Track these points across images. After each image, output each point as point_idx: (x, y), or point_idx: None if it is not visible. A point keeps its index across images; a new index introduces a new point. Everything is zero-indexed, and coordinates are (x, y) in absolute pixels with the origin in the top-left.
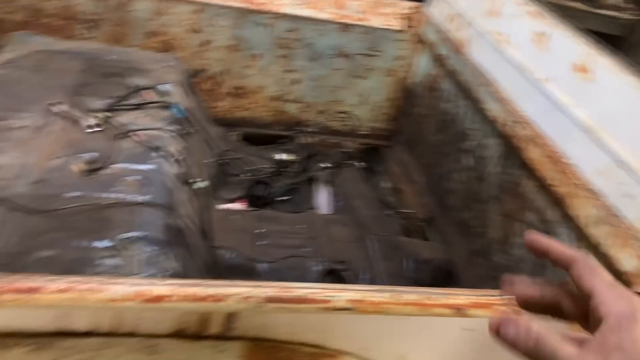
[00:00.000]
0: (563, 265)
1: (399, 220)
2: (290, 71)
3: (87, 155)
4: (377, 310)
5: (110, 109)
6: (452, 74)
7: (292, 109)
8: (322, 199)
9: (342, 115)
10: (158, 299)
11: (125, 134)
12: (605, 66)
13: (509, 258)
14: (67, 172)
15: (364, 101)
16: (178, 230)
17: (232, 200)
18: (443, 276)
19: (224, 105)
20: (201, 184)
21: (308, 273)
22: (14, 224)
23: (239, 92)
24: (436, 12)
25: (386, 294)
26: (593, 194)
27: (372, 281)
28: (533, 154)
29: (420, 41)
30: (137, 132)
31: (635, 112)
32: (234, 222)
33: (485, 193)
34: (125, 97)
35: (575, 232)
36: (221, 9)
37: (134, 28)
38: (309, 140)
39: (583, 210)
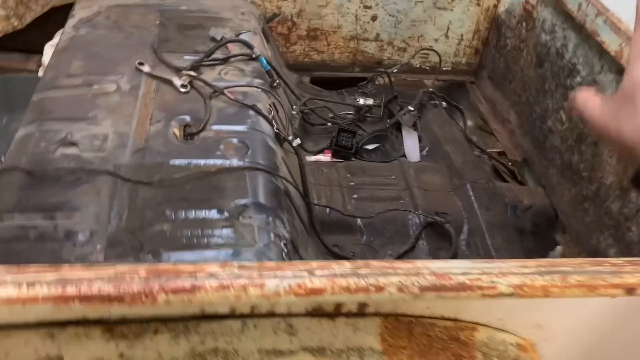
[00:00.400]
0: None
1: (491, 162)
2: (368, 7)
3: (184, 118)
4: (544, 294)
5: (198, 64)
6: (555, 2)
7: (370, 48)
8: (410, 145)
9: (425, 51)
10: (315, 291)
11: (217, 92)
12: None
13: (625, 205)
14: (167, 138)
15: (448, 35)
16: (284, 192)
17: (317, 152)
18: (547, 223)
19: (300, 49)
20: (295, 141)
21: (407, 226)
22: (123, 198)
23: (314, 34)
24: None
25: (554, 277)
26: None
27: (473, 232)
28: None
29: None
30: (230, 90)
31: None
32: (325, 176)
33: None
34: (211, 52)
35: None
36: None
37: None
38: (389, 81)
39: None
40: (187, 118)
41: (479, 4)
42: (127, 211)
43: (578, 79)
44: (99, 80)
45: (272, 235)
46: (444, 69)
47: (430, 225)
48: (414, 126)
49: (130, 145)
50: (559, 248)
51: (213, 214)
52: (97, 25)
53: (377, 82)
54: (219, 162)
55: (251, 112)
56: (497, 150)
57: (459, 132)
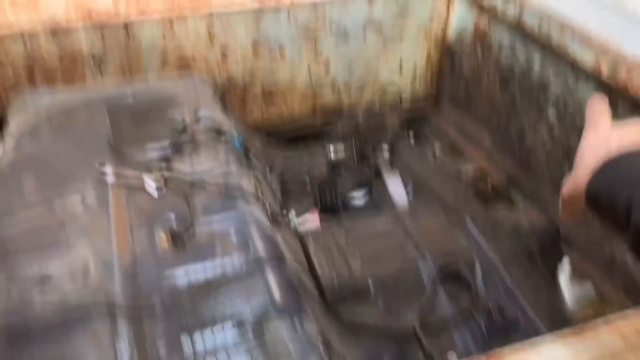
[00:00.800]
0: None
1: (477, 186)
2: (319, 55)
3: (167, 220)
4: None
5: (167, 158)
6: (508, 25)
7: (328, 96)
8: (396, 191)
9: (383, 89)
10: None
11: (195, 184)
12: None
13: None
14: (154, 247)
15: (402, 69)
16: (298, 282)
17: (303, 213)
18: (551, 241)
19: (257, 110)
20: (293, 218)
21: (419, 276)
22: (127, 336)
23: (270, 92)
24: None
25: None
26: None
27: (486, 268)
28: None
29: None
30: (208, 178)
31: None
32: (319, 241)
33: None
34: (177, 141)
35: None
36: (236, 15)
37: (147, 55)
38: (356, 125)
39: None
40: (172, 218)
41: (427, 35)
42: (137, 351)
43: (552, 94)
44: (60, 195)
45: (303, 339)
46: (403, 104)
47: (444, 274)
48: (392, 166)
49: (117, 268)
50: (565, 261)
51: (233, 334)
52: (41, 135)
53: (342, 129)
54: (218, 263)
55: (238, 197)
56: (478, 174)
57: (436, 164)
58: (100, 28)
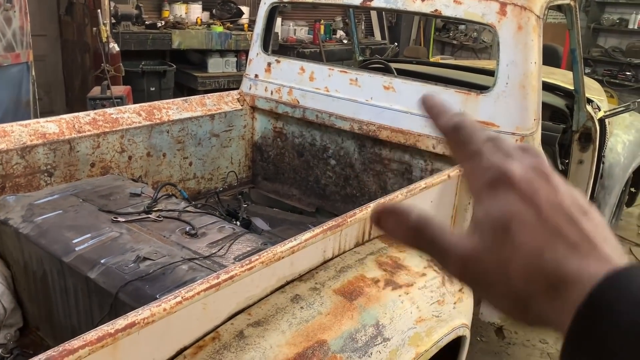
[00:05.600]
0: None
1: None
2: (185, 158)
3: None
4: None
5: (151, 207)
6: (296, 120)
7: (192, 184)
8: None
9: (223, 176)
10: None
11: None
12: (398, 83)
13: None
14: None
15: (233, 162)
16: None
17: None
18: None
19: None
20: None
21: None
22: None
23: (156, 186)
24: (258, 91)
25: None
26: (427, 136)
27: None
28: (384, 134)
29: (255, 111)
30: (189, 207)
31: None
32: None
33: (355, 171)
34: (156, 195)
35: (427, 157)
36: (136, 130)
37: (82, 163)
38: (218, 199)
39: (425, 144)
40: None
41: (243, 138)
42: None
43: (330, 151)
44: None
45: None
46: (235, 184)
47: None
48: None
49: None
50: None
51: None
52: (43, 213)
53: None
54: None
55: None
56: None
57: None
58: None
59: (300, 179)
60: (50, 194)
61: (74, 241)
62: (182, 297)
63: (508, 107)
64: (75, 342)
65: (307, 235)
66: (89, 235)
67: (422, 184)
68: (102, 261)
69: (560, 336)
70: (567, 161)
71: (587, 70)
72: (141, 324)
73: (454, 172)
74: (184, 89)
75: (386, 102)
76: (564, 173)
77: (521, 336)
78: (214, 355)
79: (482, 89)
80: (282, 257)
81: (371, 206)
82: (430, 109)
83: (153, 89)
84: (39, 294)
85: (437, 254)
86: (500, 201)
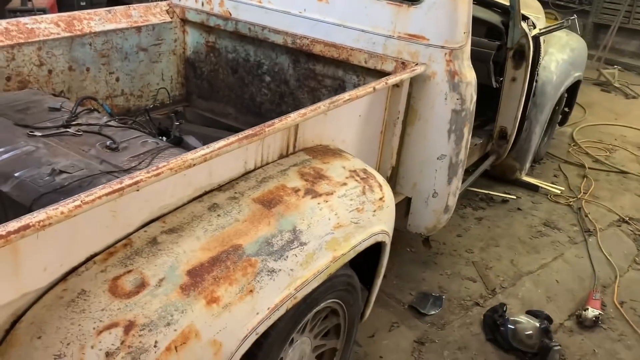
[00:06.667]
0: None
1: None
2: (112, 73)
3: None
4: None
5: (70, 121)
6: (228, 34)
7: (120, 100)
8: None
9: (153, 93)
10: None
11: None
12: None
13: None
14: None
15: (164, 78)
16: None
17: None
18: None
19: None
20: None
21: None
22: None
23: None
24: (188, 3)
25: None
26: (359, 51)
27: None
28: (317, 49)
29: (185, 24)
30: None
31: (354, 11)
32: None
33: (290, 88)
34: (75, 109)
35: (359, 73)
36: (55, 41)
37: None
38: (148, 117)
39: (357, 58)
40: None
41: (174, 53)
42: None
43: (265, 67)
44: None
45: None
46: (167, 102)
47: None
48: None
49: None
50: None
51: None
52: None
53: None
54: None
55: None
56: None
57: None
58: None
59: (235, 96)
60: None
61: None
62: (81, 201)
63: (438, 20)
64: None
65: (221, 143)
66: (2, 149)
67: (345, 95)
68: (15, 174)
69: None
70: (501, 79)
71: None
72: (36, 227)
73: (379, 85)
74: (120, 5)
75: (319, 15)
76: (498, 90)
77: (448, 247)
78: (125, 260)
79: (414, 1)
80: (193, 165)
81: (291, 116)
82: None
83: (84, 3)
84: None
85: None
86: None
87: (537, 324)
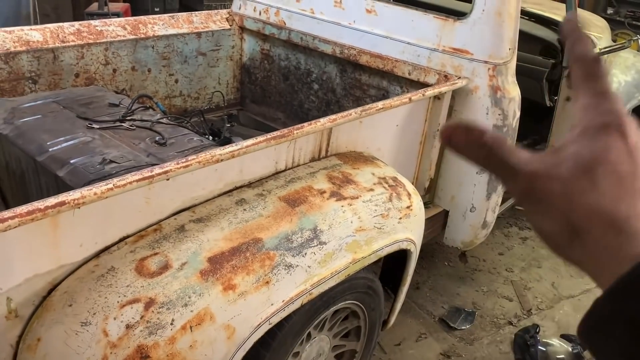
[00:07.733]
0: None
1: None
2: (171, 75)
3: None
4: None
5: (126, 116)
6: (282, 42)
7: (178, 102)
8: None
9: (209, 96)
10: None
11: (155, 122)
12: (381, 6)
13: None
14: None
15: (220, 82)
16: None
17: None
18: None
19: None
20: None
21: None
22: None
23: (143, 100)
24: (247, 12)
25: None
26: (404, 62)
27: None
28: (363, 59)
29: (243, 31)
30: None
31: (401, 23)
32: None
33: (336, 96)
34: (132, 106)
35: (403, 84)
36: (120, 43)
37: (66, 73)
38: (202, 118)
39: (401, 70)
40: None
41: (232, 59)
42: None
43: (314, 75)
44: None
45: None
46: (222, 105)
47: None
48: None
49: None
50: None
51: None
52: (24, 116)
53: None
54: None
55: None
56: None
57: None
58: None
59: (285, 102)
60: (33, 100)
61: (49, 143)
62: (113, 185)
63: (483, 35)
64: (6, 213)
65: (249, 142)
66: (62, 138)
67: (379, 104)
68: (71, 161)
69: (593, 280)
70: (555, 98)
71: (610, 10)
72: (71, 204)
73: (416, 96)
74: (190, 11)
75: (367, 26)
76: (552, 110)
77: (488, 264)
78: (153, 243)
79: (460, 15)
80: (221, 160)
81: (321, 121)
82: (570, 32)
83: (157, 9)
84: (19, 192)
85: (506, 169)
86: (605, 144)
87: (570, 349)
